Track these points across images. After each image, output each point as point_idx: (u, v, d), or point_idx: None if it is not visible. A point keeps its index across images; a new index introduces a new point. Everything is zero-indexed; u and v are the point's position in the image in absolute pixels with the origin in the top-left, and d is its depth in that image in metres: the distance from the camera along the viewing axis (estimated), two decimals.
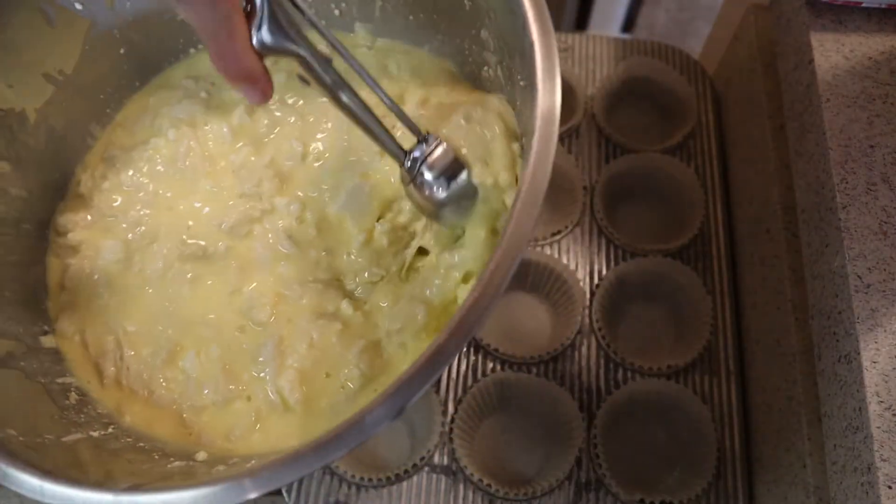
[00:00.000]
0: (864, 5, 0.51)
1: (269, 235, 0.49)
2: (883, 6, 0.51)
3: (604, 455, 0.57)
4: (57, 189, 0.52)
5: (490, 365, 0.60)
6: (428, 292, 0.45)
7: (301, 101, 0.54)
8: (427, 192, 0.42)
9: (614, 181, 0.67)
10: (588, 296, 0.63)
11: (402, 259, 0.48)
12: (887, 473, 0.38)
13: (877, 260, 0.44)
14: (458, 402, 0.58)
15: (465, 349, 0.60)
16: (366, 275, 0.48)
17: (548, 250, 0.65)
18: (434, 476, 0.57)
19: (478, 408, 0.59)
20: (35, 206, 0.50)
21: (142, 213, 0.50)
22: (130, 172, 0.51)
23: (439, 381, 0.59)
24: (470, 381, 0.59)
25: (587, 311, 0.62)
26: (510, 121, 0.45)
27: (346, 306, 0.47)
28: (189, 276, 0.48)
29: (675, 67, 0.73)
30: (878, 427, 0.40)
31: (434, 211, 0.43)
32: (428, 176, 0.41)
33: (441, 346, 0.32)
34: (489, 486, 0.55)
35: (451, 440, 0.57)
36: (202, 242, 0.49)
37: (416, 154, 0.41)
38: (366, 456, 0.59)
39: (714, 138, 0.70)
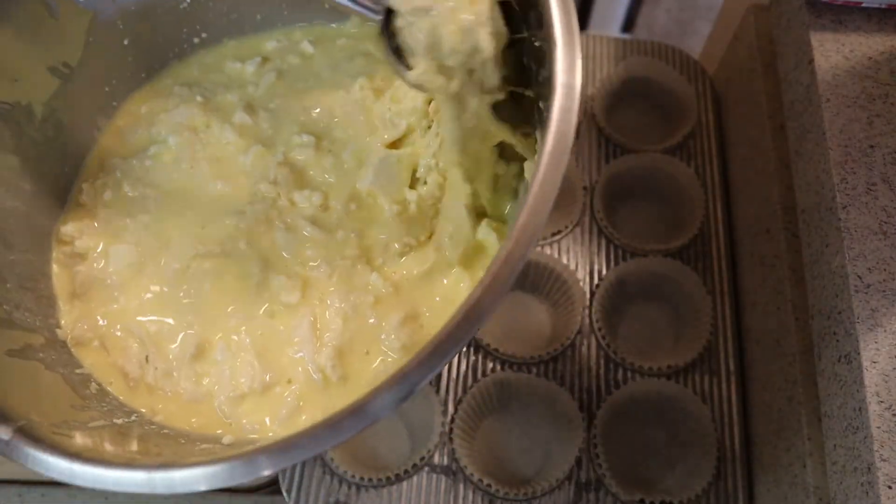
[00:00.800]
0: (864, 5, 0.51)
1: (293, 226, 0.49)
2: (883, 6, 0.51)
3: (604, 455, 0.57)
4: (67, 184, 0.52)
5: (490, 365, 0.60)
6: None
7: (301, 91, 0.54)
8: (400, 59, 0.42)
9: (614, 181, 0.67)
10: (588, 296, 0.63)
11: (431, 223, 0.48)
12: (887, 473, 0.38)
13: (877, 260, 0.44)
14: (458, 402, 0.58)
15: (464, 349, 0.60)
16: (396, 246, 0.48)
17: (548, 250, 0.65)
18: (434, 476, 0.57)
19: (478, 408, 0.59)
20: (45, 200, 0.50)
21: (149, 218, 0.50)
22: (132, 180, 0.51)
23: (439, 380, 0.59)
24: (470, 381, 0.59)
25: (587, 311, 0.62)
26: None
27: (375, 279, 0.47)
28: (209, 272, 0.48)
29: (675, 67, 0.73)
30: (878, 427, 0.40)
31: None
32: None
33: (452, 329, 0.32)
34: (489, 486, 0.55)
35: (451, 440, 0.57)
36: (219, 241, 0.49)
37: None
38: (366, 456, 0.59)
39: (714, 138, 0.70)
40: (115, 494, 0.61)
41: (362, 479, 0.56)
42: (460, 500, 0.56)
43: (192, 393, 0.45)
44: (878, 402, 0.40)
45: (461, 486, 0.56)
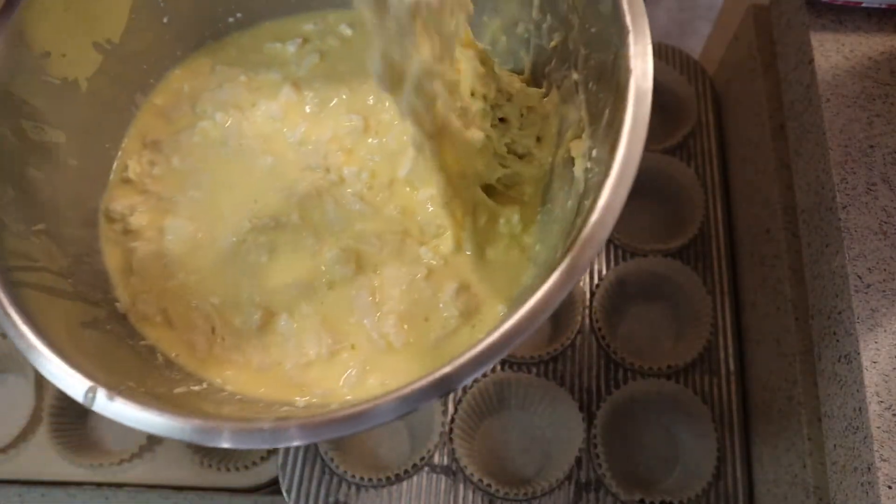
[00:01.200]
0: (864, 5, 0.51)
1: (343, 201, 0.50)
2: (883, 6, 0.51)
3: (604, 455, 0.57)
4: (108, 161, 0.52)
5: None
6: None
7: (345, 73, 0.55)
8: None
9: None
10: (588, 296, 0.63)
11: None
12: (887, 473, 0.38)
13: (877, 260, 0.44)
14: (457, 402, 0.58)
15: None
16: (433, 227, 0.49)
17: None
18: (434, 476, 0.57)
19: (478, 408, 0.59)
20: (89, 177, 0.50)
21: (201, 193, 0.51)
22: (181, 156, 0.52)
23: None
24: (470, 381, 0.59)
25: (587, 311, 0.62)
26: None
27: (425, 252, 0.48)
28: (265, 245, 0.49)
29: (675, 67, 0.73)
30: (878, 427, 0.40)
31: None
32: None
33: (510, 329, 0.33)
34: (489, 486, 0.55)
35: (451, 440, 0.57)
36: (273, 215, 0.50)
37: None
38: (366, 456, 0.59)
39: (714, 138, 0.70)
40: (115, 494, 0.61)
41: (362, 479, 0.56)
42: (460, 500, 0.56)
43: (260, 362, 0.46)
44: (878, 402, 0.40)
45: (461, 486, 0.56)
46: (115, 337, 0.44)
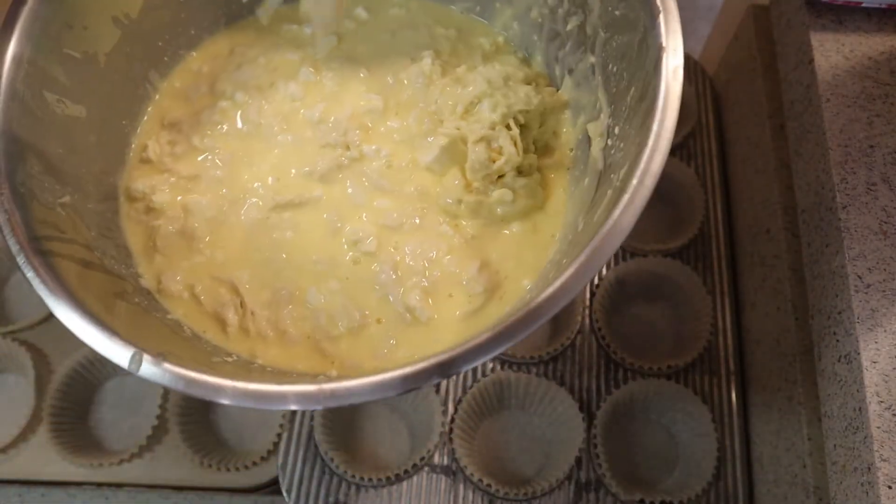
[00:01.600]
0: (864, 5, 0.51)
1: (363, 179, 0.51)
2: (883, 6, 0.51)
3: (604, 455, 0.57)
4: (126, 140, 0.53)
5: (490, 365, 0.60)
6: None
7: (363, 54, 0.56)
8: None
9: None
10: (588, 296, 0.63)
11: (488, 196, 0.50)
12: (887, 473, 0.38)
13: (877, 260, 0.44)
14: (457, 402, 0.58)
15: None
16: (452, 208, 0.50)
17: None
18: (434, 476, 0.57)
19: (478, 408, 0.59)
20: (108, 154, 0.51)
21: (223, 172, 0.52)
22: (201, 136, 0.53)
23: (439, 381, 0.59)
24: (470, 381, 0.59)
25: (587, 311, 0.62)
26: None
27: (446, 230, 0.48)
28: (289, 222, 0.49)
29: None
30: (878, 427, 0.40)
31: None
32: None
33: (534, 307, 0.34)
34: (489, 486, 0.55)
35: (451, 440, 0.57)
36: (295, 192, 0.50)
37: None
38: (366, 456, 0.59)
39: (714, 138, 0.70)
40: (115, 494, 0.61)
41: (362, 479, 0.56)
42: (460, 500, 0.56)
43: (290, 336, 0.46)
44: (878, 402, 0.40)
45: (461, 486, 0.56)
46: (143, 310, 0.45)
